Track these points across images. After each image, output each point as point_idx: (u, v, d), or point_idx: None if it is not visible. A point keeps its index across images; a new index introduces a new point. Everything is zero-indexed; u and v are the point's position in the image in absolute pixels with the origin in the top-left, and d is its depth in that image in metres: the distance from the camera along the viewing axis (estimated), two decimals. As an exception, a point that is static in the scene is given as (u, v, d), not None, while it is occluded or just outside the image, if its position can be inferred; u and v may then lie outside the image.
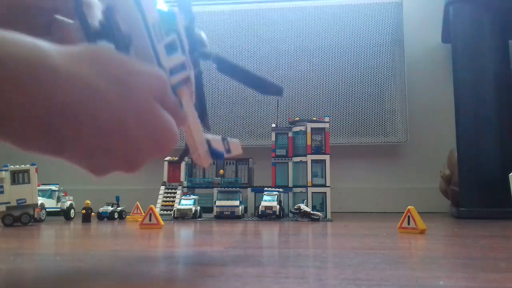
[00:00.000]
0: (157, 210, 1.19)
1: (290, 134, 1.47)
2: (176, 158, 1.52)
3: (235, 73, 0.54)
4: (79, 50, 0.37)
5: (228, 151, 0.52)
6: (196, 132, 0.49)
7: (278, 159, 1.46)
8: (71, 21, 0.46)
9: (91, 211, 1.24)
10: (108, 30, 0.42)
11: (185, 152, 0.51)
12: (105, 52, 0.38)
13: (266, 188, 1.37)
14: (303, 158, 1.41)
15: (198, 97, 0.50)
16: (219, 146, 0.51)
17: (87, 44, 0.41)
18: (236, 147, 0.53)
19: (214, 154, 0.50)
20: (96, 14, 0.45)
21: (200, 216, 1.34)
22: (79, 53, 0.37)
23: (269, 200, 1.30)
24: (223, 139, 0.52)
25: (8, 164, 1.16)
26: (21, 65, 0.32)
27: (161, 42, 0.45)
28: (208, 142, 0.50)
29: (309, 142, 1.39)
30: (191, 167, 1.56)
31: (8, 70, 0.31)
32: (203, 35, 0.49)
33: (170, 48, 0.45)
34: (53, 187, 1.35)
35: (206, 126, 0.52)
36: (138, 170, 0.41)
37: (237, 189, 1.38)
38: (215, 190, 1.39)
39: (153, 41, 0.44)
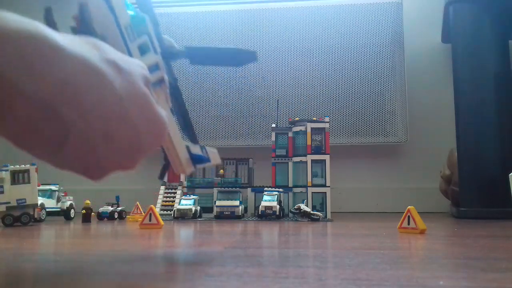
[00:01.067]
0: (157, 210, 1.19)
1: (290, 134, 1.47)
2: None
3: (208, 57, 0.54)
4: (77, 36, 0.37)
5: (207, 160, 0.52)
6: (175, 137, 0.48)
7: (278, 159, 1.46)
8: None
9: (91, 211, 1.24)
10: (85, 29, 0.43)
11: (165, 166, 0.50)
12: (98, 40, 0.38)
13: (266, 188, 1.37)
14: (303, 158, 1.41)
15: (178, 105, 0.50)
16: (198, 153, 0.51)
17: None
18: (214, 156, 0.53)
19: (197, 160, 0.50)
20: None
21: (200, 216, 1.34)
22: (79, 38, 0.36)
23: (269, 200, 1.30)
24: (202, 148, 0.51)
25: (8, 164, 1.16)
26: (25, 40, 0.31)
27: (133, 43, 0.46)
28: (187, 148, 0.49)
29: (309, 142, 1.39)
30: (191, 167, 1.56)
31: (13, 44, 0.30)
32: (169, 38, 0.51)
33: (143, 49, 0.46)
34: (53, 187, 1.35)
35: (193, 139, 0.51)
36: (136, 166, 0.41)
37: (237, 189, 1.38)
38: (215, 190, 1.39)
39: (126, 41, 0.45)
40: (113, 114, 0.36)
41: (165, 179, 1.50)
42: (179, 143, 0.48)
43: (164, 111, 0.41)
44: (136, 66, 0.40)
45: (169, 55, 0.49)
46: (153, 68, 0.46)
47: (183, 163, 0.48)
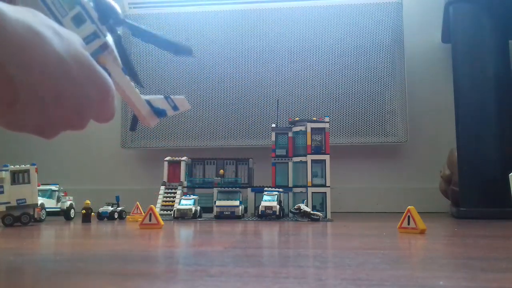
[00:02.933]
0: (157, 210, 1.19)
1: (290, 134, 1.47)
2: (176, 158, 1.52)
3: (149, 39, 0.55)
4: (18, 6, 0.39)
5: (175, 108, 0.54)
6: (132, 95, 0.51)
7: (278, 159, 1.46)
8: None
9: (91, 211, 1.24)
10: None
11: (134, 119, 0.54)
12: (36, 11, 0.41)
13: (266, 188, 1.37)
14: (303, 158, 1.41)
15: (124, 61, 0.52)
16: (162, 105, 0.53)
17: None
18: (182, 102, 0.55)
19: (157, 112, 0.53)
20: None
21: (200, 216, 1.34)
22: (20, 7, 0.39)
23: (269, 200, 1.30)
24: (166, 98, 0.54)
25: (8, 164, 1.16)
26: None
27: (65, 16, 0.47)
28: (148, 102, 0.53)
29: (309, 142, 1.39)
30: (191, 167, 1.56)
31: None
32: (113, 3, 0.51)
33: (78, 20, 0.47)
34: (53, 187, 1.35)
35: (138, 83, 0.54)
36: (86, 125, 0.44)
37: (237, 189, 1.38)
38: (215, 190, 1.39)
39: (57, 17, 0.47)
40: (58, 73, 0.39)
41: (165, 178, 1.50)
42: (138, 99, 0.52)
43: (106, 73, 0.44)
44: (72, 34, 0.43)
45: (112, 21, 0.51)
46: (92, 36, 0.48)
47: (145, 117, 0.52)
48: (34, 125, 0.40)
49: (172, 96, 0.54)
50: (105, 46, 0.48)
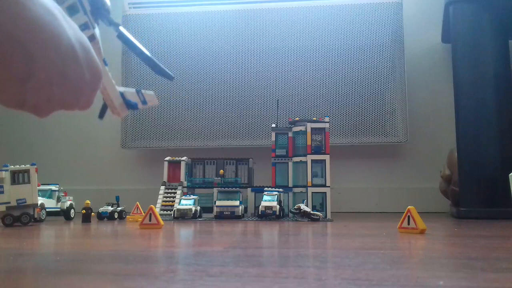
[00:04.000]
0: (157, 210, 1.19)
1: (290, 134, 1.47)
2: (176, 158, 1.52)
3: (136, 52, 0.59)
4: None
5: (144, 102, 0.59)
6: (109, 86, 0.54)
7: (278, 159, 1.46)
8: None
9: (91, 211, 1.24)
10: None
11: (104, 107, 0.56)
12: None
13: (266, 188, 1.37)
14: (303, 158, 1.41)
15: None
16: (133, 98, 0.57)
17: None
18: (151, 98, 0.59)
19: (129, 105, 0.56)
20: None
21: (200, 216, 1.34)
22: None
23: (269, 200, 1.30)
24: (138, 92, 0.58)
25: (8, 164, 1.16)
26: None
27: (62, 5, 0.49)
28: (122, 94, 0.56)
29: (309, 142, 1.39)
30: (191, 167, 1.56)
31: None
32: (107, 1, 0.55)
33: (72, 10, 0.51)
34: (53, 187, 1.35)
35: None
36: (77, 107, 0.46)
37: (237, 189, 1.38)
38: (215, 190, 1.39)
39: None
40: (68, 54, 0.41)
41: (165, 178, 1.50)
42: (113, 90, 0.55)
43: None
44: (72, 21, 0.45)
45: (102, 18, 0.55)
46: (83, 27, 0.51)
47: (117, 107, 0.55)
48: (34, 103, 0.41)
49: (143, 91, 0.58)
50: (92, 37, 0.52)
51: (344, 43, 1.80)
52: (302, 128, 1.43)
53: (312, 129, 1.39)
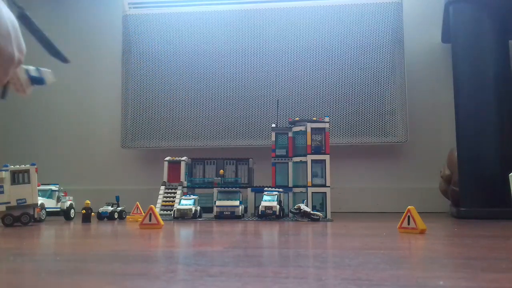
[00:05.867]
0: (157, 210, 1.19)
1: (290, 134, 1.47)
2: (176, 158, 1.52)
3: (35, 34, 0.61)
4: None
5: (42, 79, 0.63)
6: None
7: (278, 159, 1.46)
8: None
9: (91, 211, 1.24)
10: None
11: (6, 88, 0.59)
12: None
13: (266, 188, 1.37)
14: (303, 158, 1.41)
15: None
16: (35, 74, 0.62)
17: None
18: (47, 74, 0.64)
19: (35, 80, 0.61)
20: None
21: (200, 216, 1.34)
22: None
23: (269, 200, 1.30)
24: (37, 69, 0.62)
25: (8, 164, 1.16)
26: None
27: None
28: (27, 71, 0.60)
29: (309, 142, 1.39)
30: (191, 167, 1.56)
31: None
32: None
33: None
34: (53, 187, 1.35)
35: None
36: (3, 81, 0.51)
37: (237, 189, 1.38)
38: (215, 190, 1.39)
39: None
40: (4, 32, 0.46)
41: (165, 178, 1.50)
42: (21, 67, 0.59)
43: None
44: None
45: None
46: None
47: (23, 84, 0.59)
48: None
49: (41, 68, 0.63)
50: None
51: (344, 43, 1.80)
52: (302, 128, 1.43)
53: (312, 129, 1.39)
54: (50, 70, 0.65)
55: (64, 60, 0.63)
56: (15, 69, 0.51)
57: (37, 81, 0.61)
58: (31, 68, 0.62)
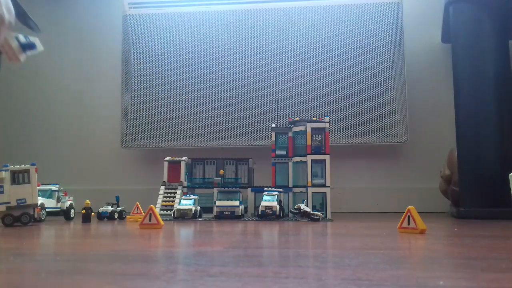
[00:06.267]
0: (157, 210, 1.19)
1: (290, 134, 1.47)
2: (176, 158, 1.52)
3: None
4: None
5: (34, 44, 0.66)
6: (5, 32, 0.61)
7: (278, 159, 1.46)
8: None
9: (91, 211, 1.24)
10: None
11: None
12: None
13: (266, 188, 1.37)
14: (303, 158, 1.41)
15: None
16: (25, 40, 0.64)
17: None
18: (37, 41, 0.67)
19: (24, 46, 0.63)
20: None
21: (200, 216, 1.34)
22: None
23: (269, 200, 1.30)
24: (25, 37, 0.65)
25: (8, 164, 1.16)
26: None
27: None
28: (16, 38, 0.62)
29: (309, 142, 1.39)
30: (191, 167, 1.56)
31: None
32: None
33: None
34: (53, 187, 1.35)
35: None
36: None
37: (237, 189, 1.38)
38: (215, 190, 1.39)
39: None
40: None
41: (165, 178, 1.50)
42: (10, 35, 0.61)
43: None
44: None
45: None
46: None
47: (16, 51, 0.62)
48: None
49: (30, 37, 0.67)
50: None
51: (344, 43, 1.80)
52: (302, 128, 1.43)
53: (312, 129, 1.39)
54: (37, 39, 0.67)
55: (35, 29, 0.66)
56: (5, 31, 0.52)
57: (28, 46, 0.64)
58: (20, 35, 0.64)
